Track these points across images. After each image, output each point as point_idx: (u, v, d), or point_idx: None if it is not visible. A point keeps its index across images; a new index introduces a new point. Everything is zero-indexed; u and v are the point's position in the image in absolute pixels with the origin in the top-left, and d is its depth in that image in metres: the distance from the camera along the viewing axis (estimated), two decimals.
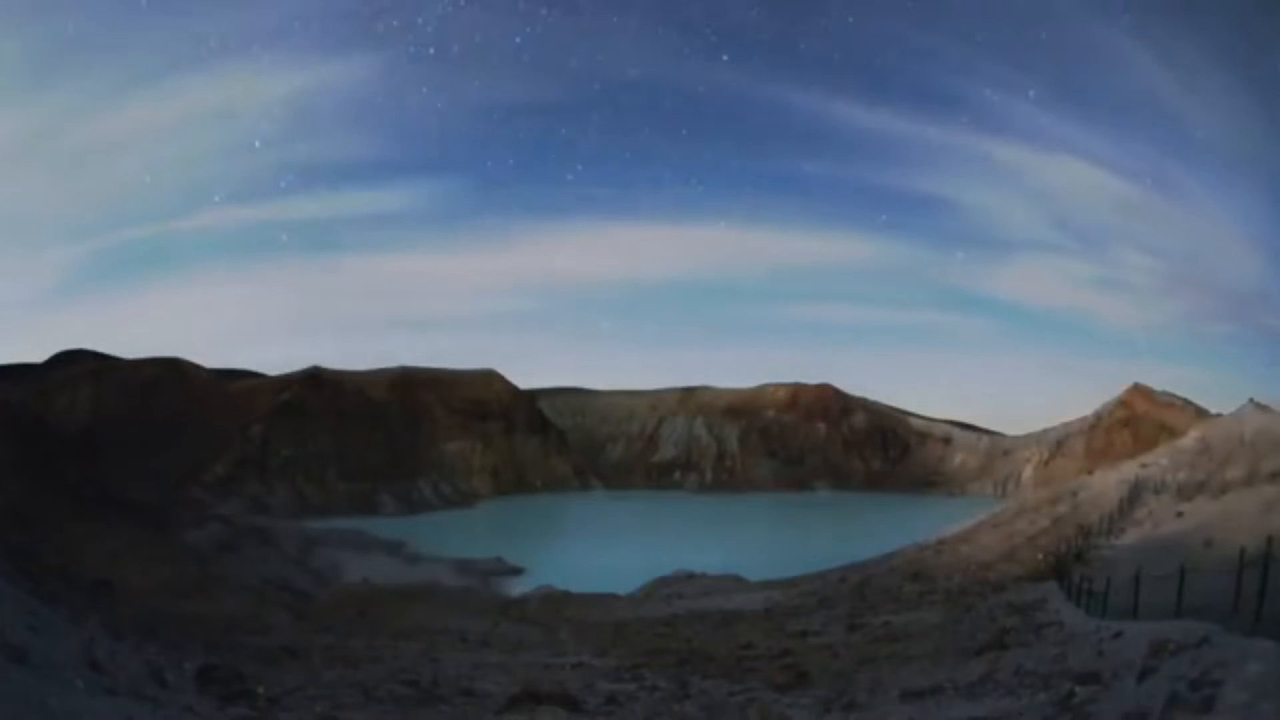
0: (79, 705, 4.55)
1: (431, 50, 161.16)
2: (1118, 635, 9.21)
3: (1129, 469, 43.25)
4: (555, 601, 31.68)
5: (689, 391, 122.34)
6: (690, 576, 37.36)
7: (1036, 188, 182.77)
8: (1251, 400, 47.63)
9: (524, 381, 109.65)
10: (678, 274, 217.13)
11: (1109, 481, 40.47)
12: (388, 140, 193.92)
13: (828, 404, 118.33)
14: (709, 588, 33.98)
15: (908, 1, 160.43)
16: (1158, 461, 43.24)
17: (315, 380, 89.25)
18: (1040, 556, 26.03)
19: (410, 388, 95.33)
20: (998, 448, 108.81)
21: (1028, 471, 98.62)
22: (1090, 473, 51.96)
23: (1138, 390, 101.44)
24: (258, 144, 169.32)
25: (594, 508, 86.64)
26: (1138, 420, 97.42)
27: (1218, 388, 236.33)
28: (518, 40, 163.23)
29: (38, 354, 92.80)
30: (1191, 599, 9.77)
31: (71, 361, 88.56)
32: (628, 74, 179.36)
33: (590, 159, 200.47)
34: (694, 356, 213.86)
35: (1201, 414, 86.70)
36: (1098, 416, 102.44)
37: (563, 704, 9.47)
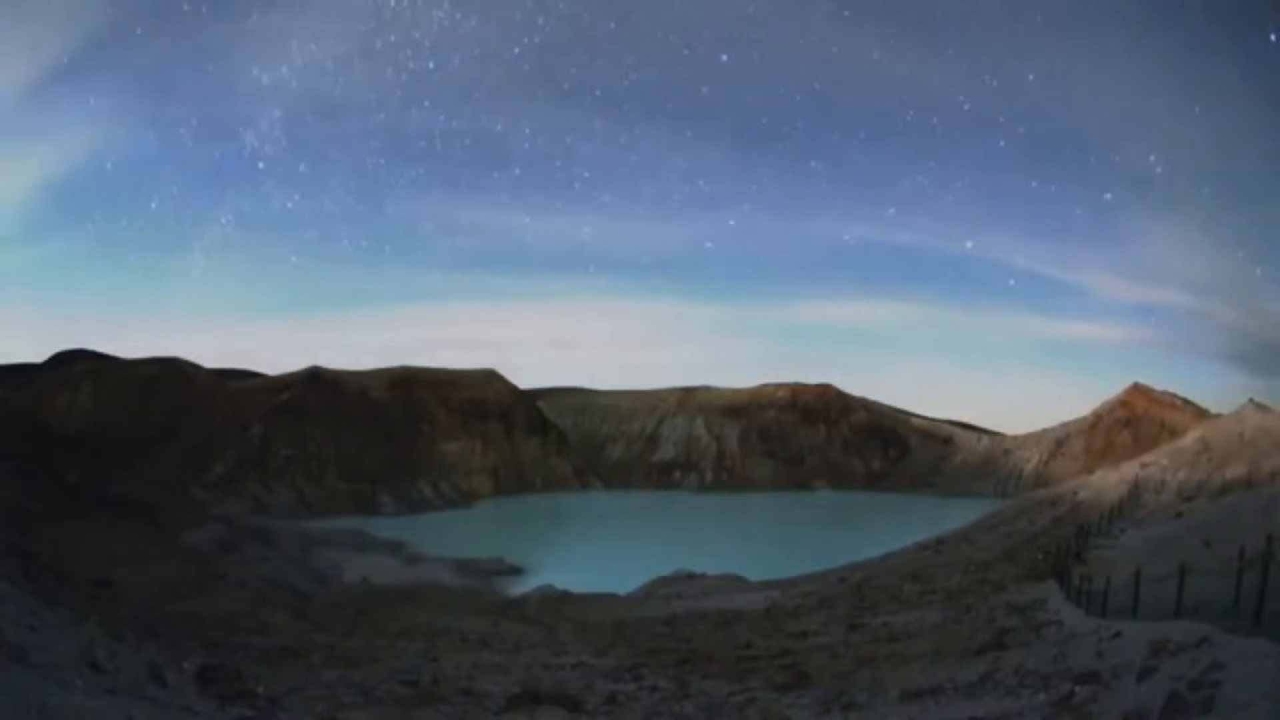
0: (79, 705, 4.55)
1: (431, 64, 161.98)
2: (1118, 635, 9.21)
3: (1129, 469, 43.35)
4: (555, 601, 31.67)
5: (689, 391, 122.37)
6: (690, 576, 37.36)
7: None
8: (1251, 400, 47.78)
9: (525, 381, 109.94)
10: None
11: (1109, 481, 40.54)
12: (389, 154, 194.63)
13: (828, 404, 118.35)
14: (709, 588, 33.98)
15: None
16: (1158, 461, 43.35)
17: (315, 380, 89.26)
18: (1040, 556, 26.01)
19: (410, 388, 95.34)
20: (998, 448, 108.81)
21: (1028, 471, 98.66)
22: (1090, 473, 52.05)
23: (1138, 390, 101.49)
24: (261, 165, 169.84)
25: (594, 508, 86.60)
26: (1138, 420, 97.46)
27: (1218, 388, 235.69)
28: (517, 50, 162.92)
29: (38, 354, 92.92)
30: (1191, 599, 9.77)
31: (71, 361, 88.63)
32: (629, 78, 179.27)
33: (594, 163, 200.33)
34: (695, 356, 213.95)
35: (1201, 414, 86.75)
36: (1098, 416, 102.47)
37: (563, 704, 9.48)
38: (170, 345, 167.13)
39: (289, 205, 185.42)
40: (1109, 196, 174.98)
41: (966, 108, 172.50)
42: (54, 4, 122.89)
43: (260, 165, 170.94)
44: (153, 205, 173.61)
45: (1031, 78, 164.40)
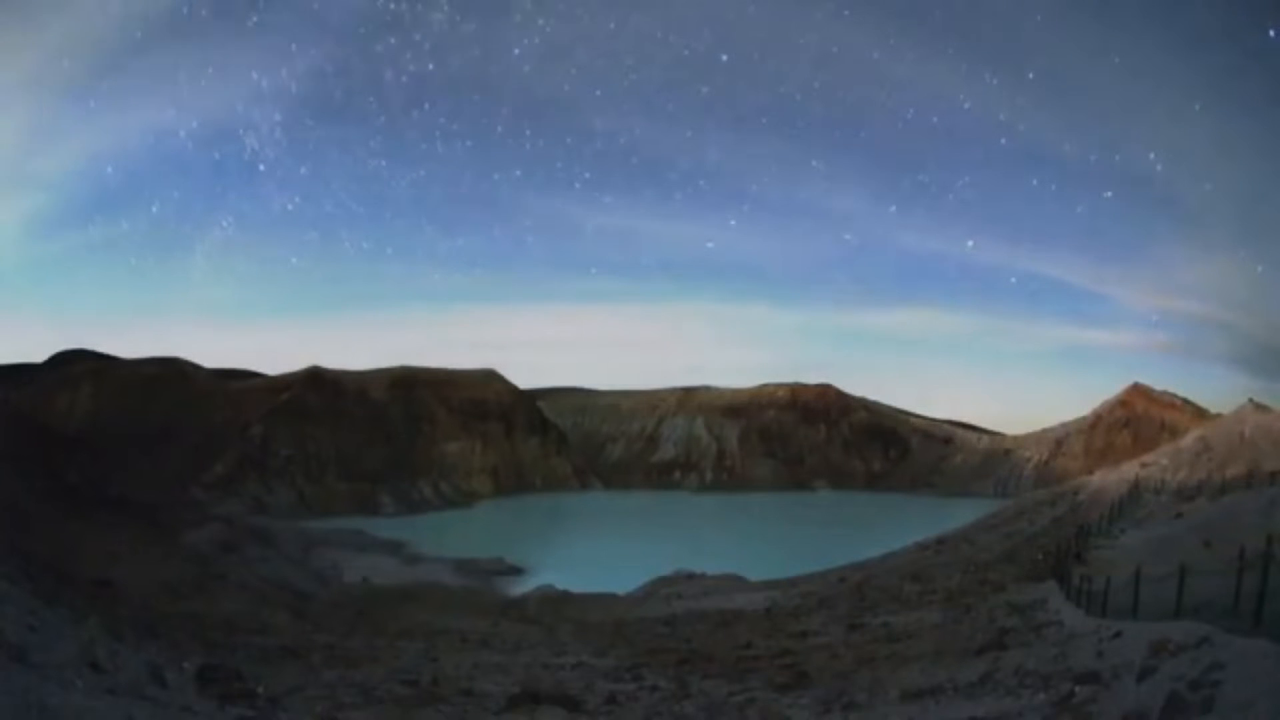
0: (79, 705, 4.55)
1: (431, 66, 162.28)
2: (1118, 635, 9.21)
3: (1129, 469, 43.34)
4: (555, 601, 31.68)
5: (689, 391, 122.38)
6: (690, 576, 37.36)
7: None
8: (1251, 400, 47.81)
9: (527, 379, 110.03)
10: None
11: (1109, 481, 40.52)
12: (390, 155, 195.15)
13: (828, 404, 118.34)
14: (709, 588, 33.98)
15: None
16: (1158, 461, 43.38)
17: (315, 380, 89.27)
18: (1040, 556, 26.00)
19: (410, 388, 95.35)
20: (998, 448, 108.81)
21: (1028, 471, 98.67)
22: (1090, 473, 52.03)
23: (1138, 390, 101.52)
24: (262, 168, 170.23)
25: (594, 508, 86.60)
26: (1138, 420, 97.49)
27: (1218, 389, 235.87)
28: (516, 52, 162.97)
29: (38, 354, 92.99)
30: (1191, 599, 9.77)
31: (71, 361, 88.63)
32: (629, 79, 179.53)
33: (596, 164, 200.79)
34: (695, 356, 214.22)
35: (1201, 414, 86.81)
36: (1098, 416, 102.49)
37: (563, 704, 9.48)
38: (171, 348, 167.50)
39: (289, 208, 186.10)
40: (1109, 195, 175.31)
41: (967, 106, 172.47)
42: (54, 8, 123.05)
43: (261, 168, 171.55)
44: (153, 209, 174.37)
45: (1031, 76, 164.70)
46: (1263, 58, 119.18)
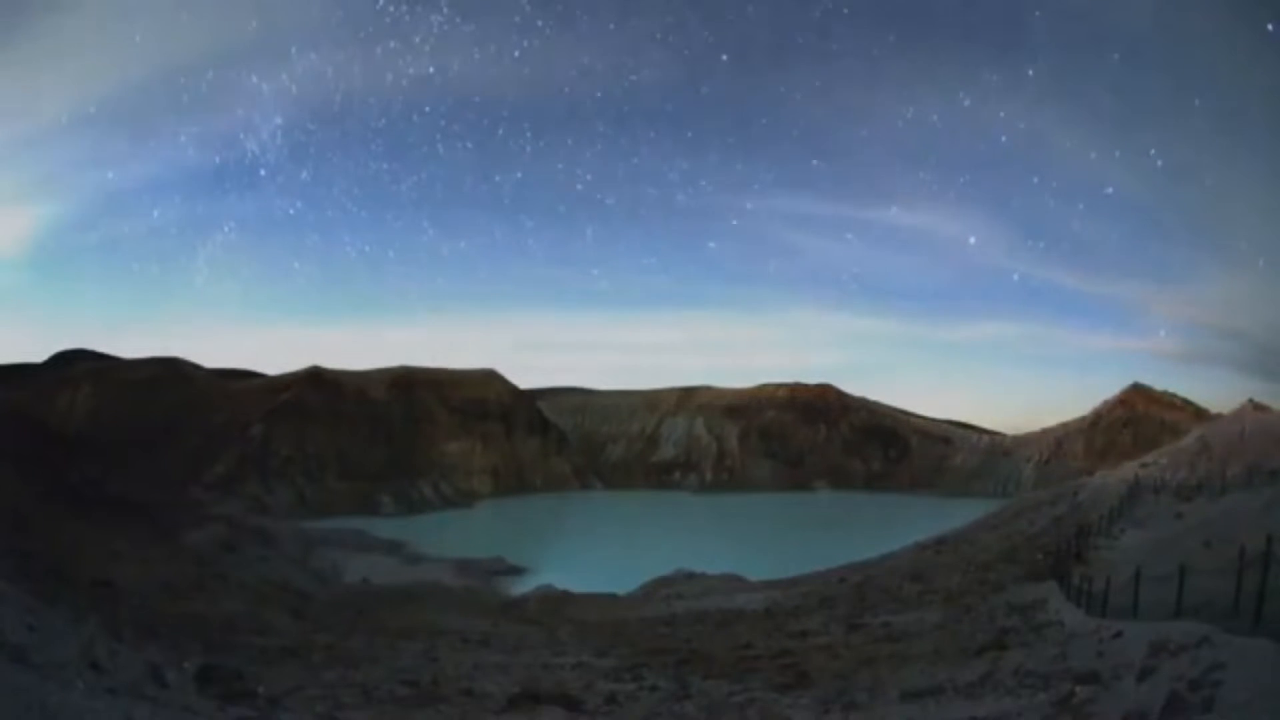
0: (79, 705, 4.55)
1: (431, 69, 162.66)
2: (1118, 635, 9.21)
3: (1129, 469, 43.29)
4: (555, 601, 31.68)
5: (689, 391, 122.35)
6: (690, 576, 37.34)
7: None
8: (1251, 400, 47.84)
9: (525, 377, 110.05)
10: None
11: (1109, 481, 40.45)
12: (391, 159, 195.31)
13: (828, 404, 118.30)
14: (709, 588, 33.96)
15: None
16: (1158, 461, 43.38)
17: (315, 380, 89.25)
18: (1040, 556, 25.97)
19: (410, 388, 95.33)
20: (998, 448, 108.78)
21: (1028, 471, 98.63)
22: (1090, 473, 52.00)
23: (1138, 390, 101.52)
24: (263, 172, 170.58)
25: (594, 508, 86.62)
26: (1138, 420, 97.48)
27: (1217, 388, 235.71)
28: (516, 54, 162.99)
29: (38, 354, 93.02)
30: (1191, 599, 9.76)
31: (71, 361, 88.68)
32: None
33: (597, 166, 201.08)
34: (695, 356, 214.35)
35: (1201, 414, 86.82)
36: (1098, 416, 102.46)
37: (563, 704, 9.49)
38: (171, 350, 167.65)
39: (291, 212, 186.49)
40: (1110, 191, 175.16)
41: (967, 104, 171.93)
42: (54, 11, 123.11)
43: (262, 172, 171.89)
44: (155, 214, 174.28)
45: (1031, 73, 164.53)
46: (1262, 53, 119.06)
